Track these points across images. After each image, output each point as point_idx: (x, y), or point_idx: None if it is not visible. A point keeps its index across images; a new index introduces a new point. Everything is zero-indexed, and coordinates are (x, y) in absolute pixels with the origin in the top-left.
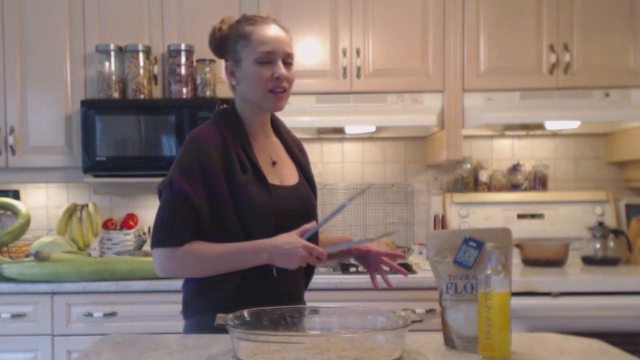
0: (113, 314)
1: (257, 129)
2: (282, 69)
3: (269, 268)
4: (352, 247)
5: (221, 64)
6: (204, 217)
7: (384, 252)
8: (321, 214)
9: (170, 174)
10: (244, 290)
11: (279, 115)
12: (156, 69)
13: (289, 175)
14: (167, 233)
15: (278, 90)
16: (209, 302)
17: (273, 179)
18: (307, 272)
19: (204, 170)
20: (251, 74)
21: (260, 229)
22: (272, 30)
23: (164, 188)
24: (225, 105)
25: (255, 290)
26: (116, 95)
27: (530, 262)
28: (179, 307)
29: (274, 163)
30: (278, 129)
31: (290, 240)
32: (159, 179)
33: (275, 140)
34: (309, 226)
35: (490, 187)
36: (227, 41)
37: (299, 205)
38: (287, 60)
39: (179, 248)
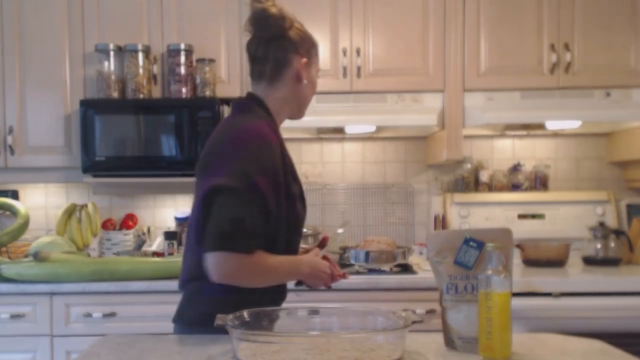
0: (112, 314)
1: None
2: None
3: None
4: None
5: (221, 64)
6: (270, 219)
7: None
8: (321, 214)
9: (246, 170)
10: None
11: None
12: (155, 69)
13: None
14: (238, 237)
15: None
16: (224, 302)
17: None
18: None
19: (275, 174)
20: (314, 82)
21: (295, 240)
22: None
23: (238, 184)
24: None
25: (269, 292)
26: (115, 95)
27: (531, 262)
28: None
29: None
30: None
31: (322, 263)
32: (159, 179)
33: None
34: (317, 250)
35: (490, 187)
36: (293, 31)
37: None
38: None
39: (249, 255)
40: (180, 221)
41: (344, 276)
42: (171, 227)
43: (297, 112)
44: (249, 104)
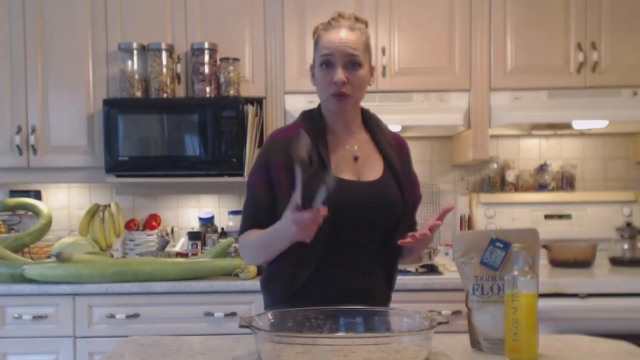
0: (135, 315)
1: (338, 126)
2: (339, 74)
3: (340, 262)
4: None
5: (245, 63)
6: (263, 206)
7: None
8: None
9: (251, 168)
10: (314, 284)
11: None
12: (179, 68)
13: (371, 171)
14: (241, 224)
15: (339, 94)
16: (276, 294)
17: (348, 174)
18: (389, 269)
19: (268, 165)
20: (318, 77)
21: (340, 226)
22: (337, 34)
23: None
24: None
25: (326, 285)
26: (139, 94)
27: (557, 263)
28: (202, 309)
29: (356, 158)
30: (370, 125)
31: (284, 221)
32: (183, 179)
33: (364, 136)
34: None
35: (517, 187)
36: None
37: (372, 200)
38: (351, 63)
39: (241, 236)
40: (203, 221)
41: (315, 213)
42: (195, 228)
43: (329, 109)
44: (302, 111)
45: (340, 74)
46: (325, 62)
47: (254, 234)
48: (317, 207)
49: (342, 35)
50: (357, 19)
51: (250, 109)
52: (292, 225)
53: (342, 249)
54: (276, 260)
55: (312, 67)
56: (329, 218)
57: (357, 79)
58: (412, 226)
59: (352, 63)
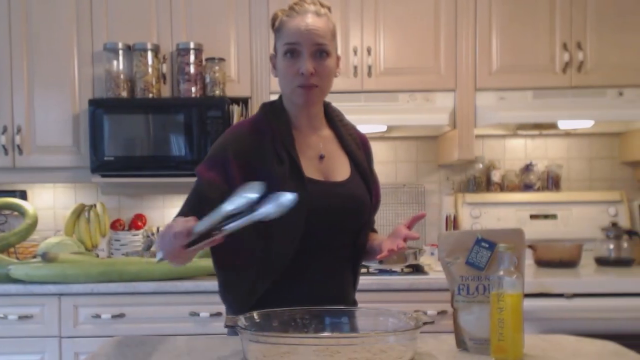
0: (121, 315)
1: (302, 122)
2: (306, 64)
3: (308, 268)
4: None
5: (230, 63)
6: (209, 202)
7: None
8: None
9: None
10: (278, 290)
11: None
12: (165, 68)
13: (338, 171)
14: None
15: (307, 85)
16: (236, 303)
17: (315, 174)
18: (353, 270)
19: (226, 160)
20: (281, 68)
21: (290, 227)
22: (303, 21)
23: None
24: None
25: (292, 292)
26: (124, 94)
27: (543, 263)
28: (187, 309)
29: (321, 157)
30: (333, 121)
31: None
32: (168, 179)
33: (327, 133)
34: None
35: (502, 187)
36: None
37: (341, 202)
38: (319, 53)
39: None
40: None
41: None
42: None
43: (295, 102)
44: (262, 104)
45: (308, 64)
46: (291, 51)
47: None
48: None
49: (309, 22)
50: (321, 4)
51: (236, 109)
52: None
53: (310, 253)
54: (231, 267)
55: (273, 57)
56: (301, 220)
57: (325, 69)
58: (371, 226)
59: (320, 52)
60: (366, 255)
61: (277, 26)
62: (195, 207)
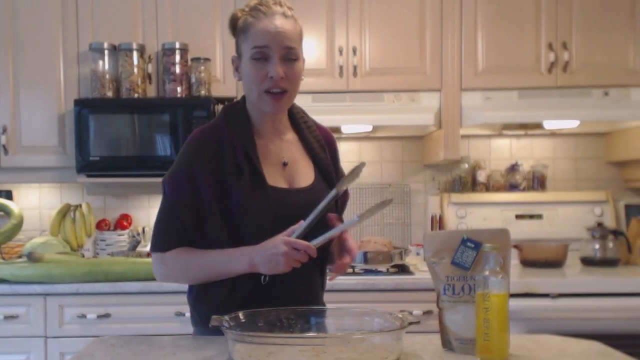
0: (107, 315)
1: (265, 127)
2: (276, 68)
3: (277, 274)
4: (337, 233)
5: (216, 63)
6: (188, 223)
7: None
8: (347, 214)
9: (169, 173)
10: (249, 296)
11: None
12: (150, 68)
13: (302, 177)
14: (156, 238)
15: (275, 91)
16: (215, 311)
17: (279, 182)
18: (322, 271)
19: (193, 174)
20: (247, 71)
21: (256, 236)
22: (272, 23)
23: (162, 190)
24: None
25: (264, 295)
26: (110, 94)
27: (528, 263)
28: (173, 309)
29: (284, 164)
30: (297, 123)
31: (271, 244)
32: (154, 179)
33: (291, 137)
34: (296, 226)
35: (488, 187)
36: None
37: (308, 209)
38: (288, 56)
39: (166, 254)
40: None
41: (308, 249)
42: None
43: (261, 107)
44: (223, 107)
45: (278, 68)
46: (259, 54)
47: (195, 253)
48: (309, 245)
49: (278, 24)
50: (287, 5)
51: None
52: (280, 246)
53: None
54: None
55: (236, 60)
56: (267, 230)
57: (295, 74)
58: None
59: (289, 55)
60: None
61: (240, 27)
62: (180, 230)
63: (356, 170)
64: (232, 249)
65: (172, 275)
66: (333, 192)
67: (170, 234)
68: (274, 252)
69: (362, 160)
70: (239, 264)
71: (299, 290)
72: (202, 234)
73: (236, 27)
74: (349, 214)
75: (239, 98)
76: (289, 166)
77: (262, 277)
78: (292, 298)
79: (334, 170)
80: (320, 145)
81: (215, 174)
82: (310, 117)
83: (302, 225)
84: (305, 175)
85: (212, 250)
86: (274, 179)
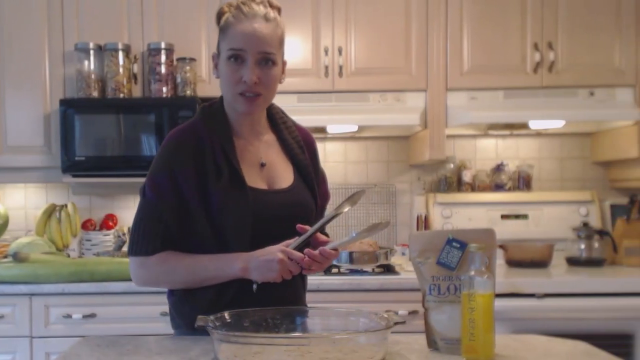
0: (92, 315)
1: (244, 127)
2: (250, 73)
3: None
4: (338, 246)
5: (202, 63)
6: (172, 225)
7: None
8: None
9: (149, 175)
10: (235, 298)
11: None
12: (136, 68)
13: (281, 178)
14: (137, 242)
15: (248, 95)
16: (199, 312)
17: (258, 183)
18: (303, 274)
19: (174, 175)
20: (223, 71)
21: (237, 237)
22: (251, 25)
23: (140, 192)
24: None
25: (247, 298)
26: (95, 94)
27: (514, 263)
28: (158, 309)
29: (262, 165)
30: (276, 123)
31: (267, 252)
32: (139, 179)
33: (269, 138)
34: (291, 240)
35: (473, 187)
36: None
37: (288, 210)
38: (264, 61)
39: (149, 257)
40: None
41: (302, 261)
42: None
43: (236, 108)
44: (201, 107)
45: (251, 73)
46: (234, 56)
47: (182, 257)
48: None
49: (256, 27)
50: (271, 5)
51: None
52: (276, 254)
53: None
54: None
55: (216, 57)
56: (248, 232)
57: (270, 79)
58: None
59: (265, 60)
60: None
61: (221, 25)
62: (162, 232)
63: (355, 197)
64: (225, 254)
65: (154, 279)
66: (332, 214)
67: (153, 237)
68: (269, 259)
69: (360, 188)
70: (232, 268)
71: (279, 290)
72: (185, 235)
73: (220, 23)
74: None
75: None
76: (267, 167)
77: (254, 285)
78: (275, 300)
79: (313, 171)
80: (300, 146)
81: (196, 173)
82: (289, 117)
83: (297, 239)
84: (284, 176)
85: (201, 254)
86: (253, 179)
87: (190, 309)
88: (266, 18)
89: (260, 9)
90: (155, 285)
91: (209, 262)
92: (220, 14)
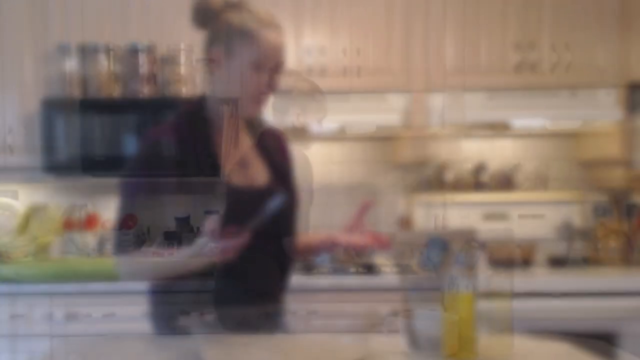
0: (75, 315)
1: (226, 126)
2: (273, 82)
3: (234, 270)
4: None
5: (183, 62)
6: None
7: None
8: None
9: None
10: (210, 292)
11: None
12: (118, 68)
13: (258, 177)
14: (115, 240)
15: (261, 98)
16: (172, 307)
17: (238, 180)
18: (283, 271)
19: (153, 170)
20: (242, 75)
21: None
22: (272, 35)
23: (118, 191)
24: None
25: (221, 292)
26: (77, 94)
27: (496, 263)
28: (142, 309)
29: (242, 164)
30: (252, 125)
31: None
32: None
33: (246, 138)
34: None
35: (456, 188)
36: (219, 21)
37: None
38: (278, 69)
39: (132, 253)
40: None
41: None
42: None
43: (243, 110)
44: (182, 103)
45: (274, 82)
46: (257, 63)
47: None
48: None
49: (280, 39)
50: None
51: None
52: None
53: (243, 257)
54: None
55: (222, 54)
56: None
57: (278, 85)
58: (298, 228)
59: (279, 69)
60: (308, 251)
61: (237, 26)
62: (128, 222)
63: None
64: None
65: (133, 275)
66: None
67: (127, 235)
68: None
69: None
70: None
71: (258, 289)
72: None
73: (209, 16)
74: (320, 215)
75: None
76: (244, 166)
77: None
78: (251, 297)
79: (287, 171)
80: (275, 146)
81: (175, 170)
82: (264, 118)
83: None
84: (260, 175)
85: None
86: (234, 177)
87: (171, 308)
88: (278, 28)
89: (273, 19)
90: (139, 279)
91: (185, 250)
92: (211, 10)
